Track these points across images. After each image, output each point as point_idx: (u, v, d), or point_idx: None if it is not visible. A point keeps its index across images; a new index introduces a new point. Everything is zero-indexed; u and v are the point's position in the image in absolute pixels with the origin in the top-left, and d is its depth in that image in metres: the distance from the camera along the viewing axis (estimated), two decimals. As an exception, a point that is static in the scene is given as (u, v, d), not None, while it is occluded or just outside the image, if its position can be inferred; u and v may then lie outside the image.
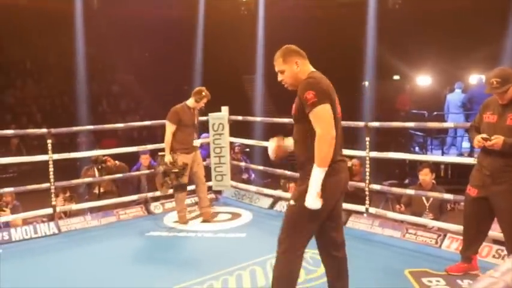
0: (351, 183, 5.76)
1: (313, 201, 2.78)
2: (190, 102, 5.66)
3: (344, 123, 5.74)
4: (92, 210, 6.19)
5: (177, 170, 5.45)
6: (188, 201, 6.12)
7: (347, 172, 3.03)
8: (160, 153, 5.70)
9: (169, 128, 5.53)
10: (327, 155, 2.77)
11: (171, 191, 5.71)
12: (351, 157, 6.03)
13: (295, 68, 2.94)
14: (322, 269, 4.07)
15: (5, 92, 15.85)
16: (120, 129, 11.19)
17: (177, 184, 5.53)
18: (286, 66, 2.96)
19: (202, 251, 4.86)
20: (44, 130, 5.66)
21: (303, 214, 2.85)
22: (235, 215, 5.99)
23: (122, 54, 18.14)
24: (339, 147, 2.94)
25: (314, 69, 2.98)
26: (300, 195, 2.85)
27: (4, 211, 5.63)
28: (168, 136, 5.52)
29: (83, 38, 15.93)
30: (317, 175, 2.77)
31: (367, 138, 5.28)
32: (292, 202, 2.96)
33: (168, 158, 5.50)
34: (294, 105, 2.97)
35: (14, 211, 5.72)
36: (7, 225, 5.59)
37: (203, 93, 5.63)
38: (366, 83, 17.83)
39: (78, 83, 15.11)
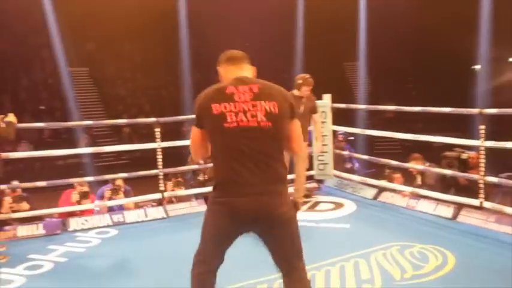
0: (463, 175, 5.40)
1: None
2: (295, 91, 5.67)
3: (455, 110, 5.46)
4: (197, 196, 6.40)
5: None
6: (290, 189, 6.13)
7: (240, 202, 2.50)
8: None
9: None
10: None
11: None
12: (464, 147, 5.63)
13: (220, 75, 2.77)
14: (431, 265, 3.89)
15: (117, 84, 17.00)
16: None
17: None
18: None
19: (303, 241, 4.78)
20: (153, 119, 5.93)
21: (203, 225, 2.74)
22: (338, 205, 5.87)
23: (223, 44, 18.58)
24: (236, 166, 2.48)
25: (237, 76, 2.63)
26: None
27: (119, 194, 6.01)
28: None
29: (185, 31, 16.58)
30: None
31: (482, 126, 4.89)
32: None
33: None
34: None
35: (125, 195, 6.09)
36: (121, 208, 5.97)
37: (299, 81, 5.61)
38: (477, 67, 16.65)
39: (182, 75, 15.76)
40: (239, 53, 2.75)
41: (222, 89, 2.56)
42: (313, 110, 5.78)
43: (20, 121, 4.59)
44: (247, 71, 2.70)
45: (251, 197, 2.50)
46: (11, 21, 17.04)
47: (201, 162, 5.55)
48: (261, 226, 2.60)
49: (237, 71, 2.68)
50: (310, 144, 6.65)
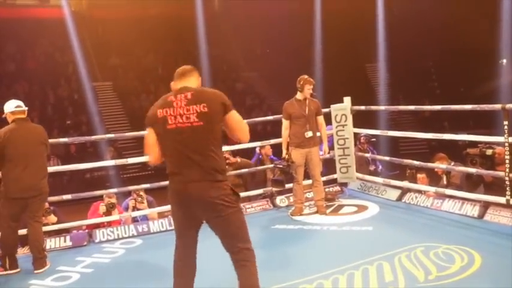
0: (488, 172, 5.27)
1: None
2: (298, 94, 5.71)
3: (476, 106, 5.36)
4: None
5: (281, 166, 5.69)
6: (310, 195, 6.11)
7: (179, 188, 3.01)
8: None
9: (283, 123, 5.77)
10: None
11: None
12: (488, 143, 5.51)
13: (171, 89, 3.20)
14: (457, 266, 3.82)
15: (141, 96, 17.25)
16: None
17: (277, 179, 5.84)
18: None
19: (327, 245, 4.79)
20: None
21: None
22: (362, 208, 5.82)
23: (245, 52, 18.74)
24: (177, 160, 3.00)
25: (179, 87, 3.07)
26: None
27: (143, 203, 6.08)
28: (282, 132, 5.78)
29: (205, 41, 16.77)
30: None
31: (505, 122, 4.78)
32: None
33: (283, 153, 5.72)
34: None
35: (149, 206, 6.15)
36: (145, 218, 6.04)
37: (301, 82, 5.69)
38: (504, 61, 16.30)
39: (203, 84, 15.89)
40: (185, 68, 3.19)
41: (166, 98, 3.07)
42: (318, 112, 5.78)
43: (48, 137, 4.92)
44: (191, 82, 3.13)
45: (186, 184, 2.97)
46: (39, 41, 17.55)
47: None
48: (198, 209, 3.01)
49: (181, 83, 3.11)
50: (332, 148, 6.64)
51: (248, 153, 7.51)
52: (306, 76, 5.73)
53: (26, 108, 4.73)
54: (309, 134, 5.63)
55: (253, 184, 7.11)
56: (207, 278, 3.57)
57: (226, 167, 6.50)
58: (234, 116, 3.05)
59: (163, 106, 3.02)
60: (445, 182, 5.97)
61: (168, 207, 6.01)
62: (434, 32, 17.46)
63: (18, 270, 4.59)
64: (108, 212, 5.89)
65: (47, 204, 5.99)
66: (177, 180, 3.02)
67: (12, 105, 4.65)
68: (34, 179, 4.55)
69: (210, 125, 2.95)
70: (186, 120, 2.95)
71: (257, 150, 7.45)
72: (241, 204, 6.05)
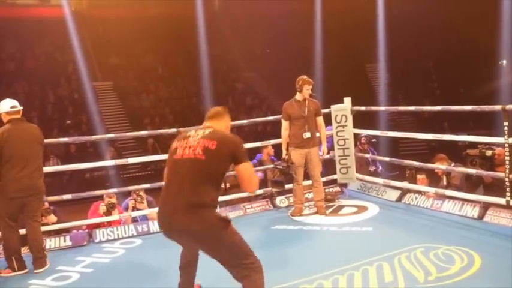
0: (488, 173, 5.28)
1: None
2: (297, 95, 5.71)
3: (476, 107, 5.37)
4: (220, 204, 6.42)
5: (281, 167, 5.65)
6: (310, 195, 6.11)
7: (165, 222, 3.04)
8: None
9: (282, 124, 5.76)
10: None
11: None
12: (488, 144, 5.51)
13: None
14: (456, 267, 3.83)
15: (141, 96, 17.25)
16: (244, 125, 11.57)
17: (277, 180, 5.86)
18: None
19: (327, 245, 4.80)
20: (174, 130, 6.00)
21: None
22: (362, 208, 5.82)
23: (244, 52, 18.72)
24: (169, 187, 3.07)
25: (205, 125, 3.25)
26: None
27: (142, 203, 6.08)
28: (282, 132, 5.77)
29: (205, 41, 16.76)
30: None
31: (506, 123, 4.78)
32: None
33: (283, 154, 5.72)
34: None
35: (149, 206, 6.14)
36: (145, 218, 6.04)
37: (300, 82, 5.68)
38: (504, 62, 16.31)
39: (203, 84, 15.90)
40: (217, 111, 3.31)
41: (187, 132, 3.19)
42: (317, 112, 5.78)
43: (47, 136, 4.98)
44: (220, 124, 3.24)
45: (172, 216, 2.98)
46: (39, 40, 17.53)
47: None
48: (188, 242, 3.14)
49: (210, 123, 3.23)
50: (332, 148, 6.64)
51: (249, 153, 7.49)
52: (304, 76, 5.72)
53: (21, 108, 4.72)
54: (307, 135, 5.62)
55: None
56: (208, 274, 3.56)
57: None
58: (243, 168, 3.05)
59: (180, 139, 3.14)
60: (445, 183, 5.97)
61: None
62: (435, 32, 17.46)
63: (26, 270, 4.57)
64: (108, 212, 5.88)
65: (46, 204, 6.00)
66: (163, 210, 3.06)
67: (7, 105, 4.63)
68: (32, 179, 4.54)
69: (212, 163, 2.98)
70: (192, 152, 3.00)
71: (259, 156, 7.44)
72: (241, 205, 6.15)
